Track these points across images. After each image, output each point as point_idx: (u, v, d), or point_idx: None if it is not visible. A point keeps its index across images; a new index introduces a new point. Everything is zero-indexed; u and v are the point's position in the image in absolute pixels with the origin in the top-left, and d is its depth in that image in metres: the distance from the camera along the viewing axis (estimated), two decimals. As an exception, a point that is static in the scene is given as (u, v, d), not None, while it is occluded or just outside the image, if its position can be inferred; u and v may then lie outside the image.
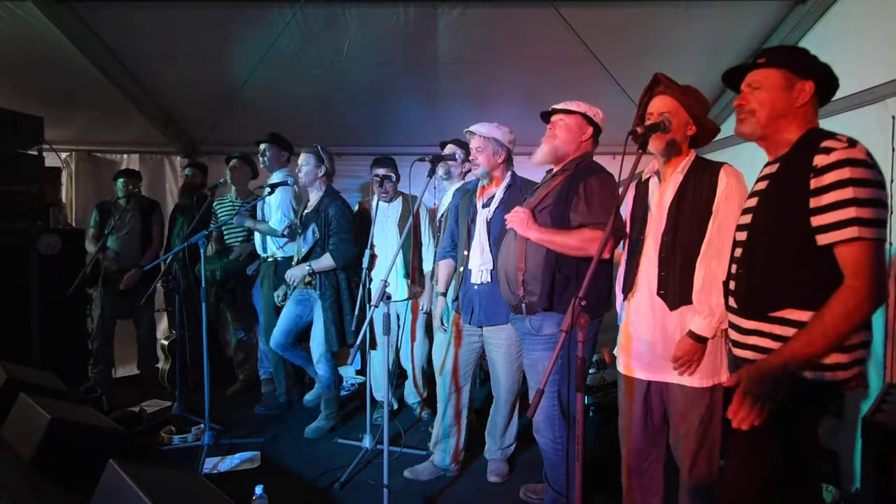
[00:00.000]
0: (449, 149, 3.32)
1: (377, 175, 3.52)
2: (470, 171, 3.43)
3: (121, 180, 4.16)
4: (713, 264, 1.78)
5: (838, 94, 1.55)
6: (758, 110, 1.51)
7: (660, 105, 1.90)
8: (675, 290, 1.85)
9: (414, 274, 3.62)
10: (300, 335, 3.55)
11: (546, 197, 2.26)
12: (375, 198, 3.64)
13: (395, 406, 3.85)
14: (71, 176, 4.70)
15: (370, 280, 3.46)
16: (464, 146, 3.22)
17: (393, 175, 3.55)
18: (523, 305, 2.25)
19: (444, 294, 2.96)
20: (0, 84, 3.78)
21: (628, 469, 2.07)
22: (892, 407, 2.02)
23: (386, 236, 3.58)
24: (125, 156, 4.79)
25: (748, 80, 1.54)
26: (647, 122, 1.88)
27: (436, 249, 3.34)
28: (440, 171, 3.44)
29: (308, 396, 3.85)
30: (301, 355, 3.61)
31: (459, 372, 2.80)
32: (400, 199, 3.64)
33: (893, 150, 2.32)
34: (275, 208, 3.62)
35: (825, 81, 1.50)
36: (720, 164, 1.86)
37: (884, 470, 1.85)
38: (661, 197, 1.93)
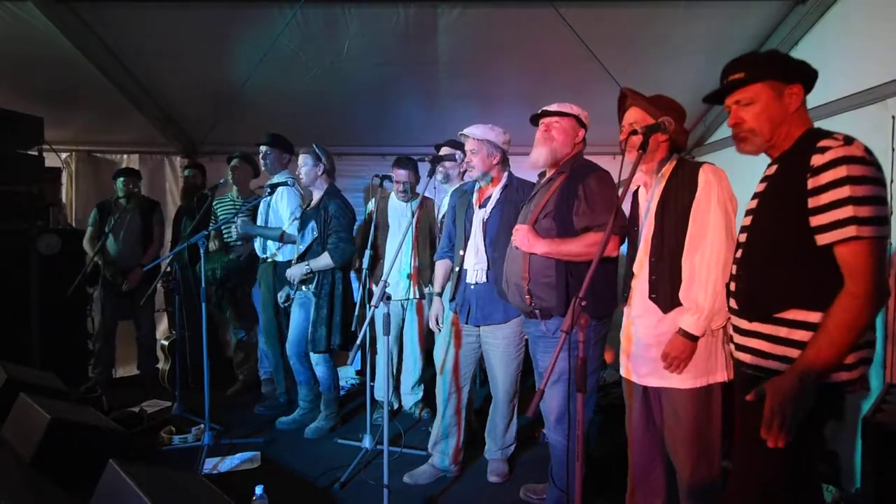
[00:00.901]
0: (445, 151, 3.31)
1: (377, 175, 3.52)
2: (468, 171, 3.44)
3: (121, 179, 4.16)
4: (696, 260, 1.80)
5: (838, 94, 1.56)
6: (757, 128, 1.51)
7: (630, 117, 1.96)
8: (667, 292, 1.86)
9: (424, 273, 3.60)
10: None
11: (547, 203, 2.28)
12: (391, 197, 3.65)
13: (396, 406, 3.84)
14: (71, 176, 4.70)
15: (369, 280, 3.46)
16: (459, 147, 3.22)
17: (392, 175, 3.55)
18: (537, 311, 2.28)
19: (441, 294, 2.96)
20: (0, 84, 3.78)
21: (632, 470, 2.08)
22: (892, 407, 2.02)
23: (409, 237, 3.56)
24: (125, 156, 4.79)
25: (735, 98, 1.53)
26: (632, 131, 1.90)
27: None
28: (438, 176, 3.44)
29: (283, 419, 3.57)
30: (308, 372, 3.54)
31: (459, 372, 2.80)
32: (418, 199, 3.65)
33: (893, 150, 2.31)
34: (287, 214, 3.59)
35: (810, 79, 1.50)
36: (700, 164, 1.88)
37: (884, 470, 1.84)
38: (648, 203, 1.96)
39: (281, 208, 3.65)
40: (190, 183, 4.41)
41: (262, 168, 3.81)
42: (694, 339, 1.81)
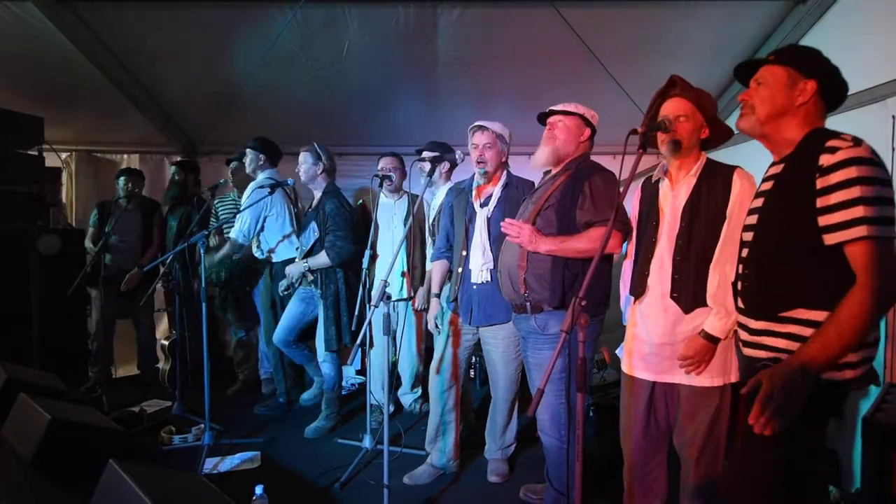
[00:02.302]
0: (426, 154, 3.30)
1: (376, 175, 3.52)
2: (452, 171, 3.43)
3: (122, 179, 4.16)
4: (727, 268, 1.79)
5: (838, 94, 1.55)
6: (758, 107, 1.51)
7: (674, 107, 1.90)
8: (689, 292, 1.85)
9: (414, 272, 3.61)
10: (303, 333, 3.56)
11: (550, 197, 2.27)
12: (381, 196, 3.66)
13: (393, 408, 3.84)
14: (71, 176, 4.70)
15: (370, 280, 3.46)
16: (441, 148, 3.22)
17: (392, 176, 3.55)
18: (528, 304, 2.25)
19: (438, 295, 2.96)
20: (0, 84, 3.78)
21: (630, 470, 2.07)
22: (892, 407, 2.02)
23: (392, 234, 3.58)
24: (125, 156, 4.79)
25: (756, 76, 1.55)
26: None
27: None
28: (422, 179, 3.44)
29: (305, 395, 3.85)
30: (302, 353, 3.62)
31: (454, 370, 2.80)
32: (406, 197, 3.65)
33: (893, 149, 2.31)
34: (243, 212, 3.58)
35: (828, 82, 1.49)
36: (733, 168, 1.87)
37: (884, 470, 1.84)
38: (673, 199, 1.93)
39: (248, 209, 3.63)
40: (171, 181, 4.38)
41: (247, 170, 3.79)
42: (716, 341, 1.81)
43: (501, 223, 2.26)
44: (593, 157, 2.43)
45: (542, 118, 2.39)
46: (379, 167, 3.59)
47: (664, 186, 1.98)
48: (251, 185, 3.66)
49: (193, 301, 3.77)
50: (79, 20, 3.30)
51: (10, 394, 2.17)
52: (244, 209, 3.54)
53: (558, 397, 2.23)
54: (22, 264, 3.61)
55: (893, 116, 2.37)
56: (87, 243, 4.13)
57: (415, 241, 3.61)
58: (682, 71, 2.00)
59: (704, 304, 1.83)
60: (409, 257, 3.60)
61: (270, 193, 3.50)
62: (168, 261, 3.71)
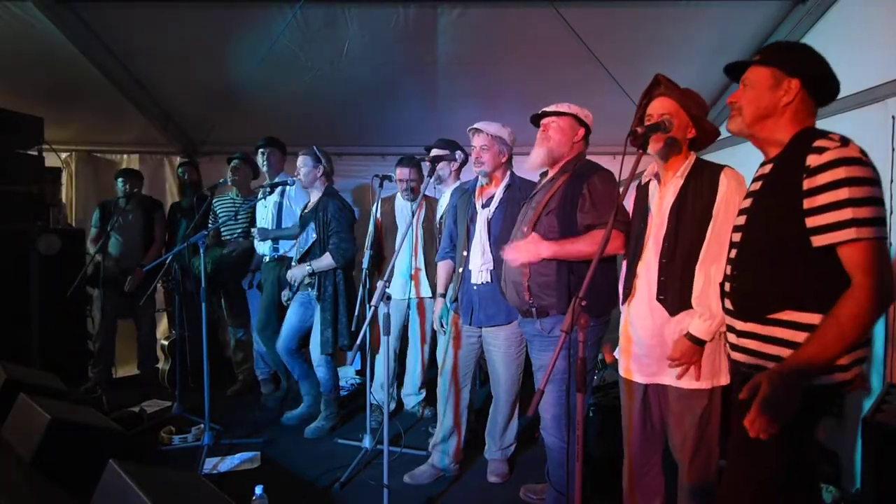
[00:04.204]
0: (436, 151, 3.31)
1: (376, 175, 3.52)
2: (461, 169, 3.44)
3: (120, 180, 4.16)
4: (712, 268, 1.78)
5: (838, 94, 1.54)
6: (745, 108, 1.51)
7: (659, 107, 1.90)
8: (675, 295, 1.84)
9: (431, 272, 3.59)
10: (306, 338, 3.55)
11: (549, 201, 2.27)
12: (397, 197, 3.70)
13: (394, 406, 3.84)
14: (71, 176, 4.70)
15: (371, 280, 3.46)
16: (450, 146, 3.22)
17: (392, 175, 3.55)
18: (534, 310, 2.26)
19: (444, 295, 2.96)
20: (0, 84, 3.78)
21: (630, 469, 2.07)
22: (892, 407, 2.02)
23: (409, 236, 3.58)
24: (125, 156, 4.79)
25: (743, 78, 1.54)
26: (647, 123, 1.88)
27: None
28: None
29: (289, 414, 3.63)
30: (301, 366, 3.56)
31: (459, 373, 2.80)
32: (423, 200, 3.66)
33: (893, 150, 2.31)
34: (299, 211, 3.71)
35: (814, 79, 1.47)
36: (721, 167, 1.85)
37: (884, 470, 1.85)
38: (661, 200, 1.92)
39: (295, 206, 3.74)
40: (186, 181, 4.42)
41: (263, 169, 3.83)
42: (701, 343, 1.80)
43: (503, 252, 2.28)
44: (593, 157, 2.43)
45: (535, 120, 2.39)
46: (398, 178, 3.59)
47: (653, 188, 1.99)
48: (289, 189, 3.70)
49: (193, 301, 3.77)
50: (79, 20, 3.30)
51: (10, 394, 2.17)
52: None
53: (560, 398, 2.23)
54: (22, 264, 3.61)
55: (893, 117, 2.37)
56: (90, 245, 4.13)
57: (429, 240, 3.61)
58: (682, 70, 2.01)
59: (691, 307, 1.82)
60: (415, 258, 3.60)
61: (270, 192, 3.51)
62: (168, 260, 3.71)
